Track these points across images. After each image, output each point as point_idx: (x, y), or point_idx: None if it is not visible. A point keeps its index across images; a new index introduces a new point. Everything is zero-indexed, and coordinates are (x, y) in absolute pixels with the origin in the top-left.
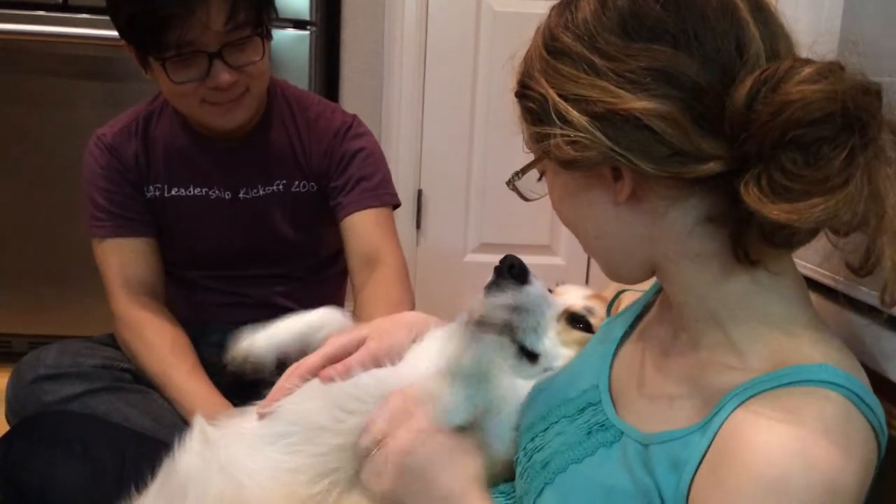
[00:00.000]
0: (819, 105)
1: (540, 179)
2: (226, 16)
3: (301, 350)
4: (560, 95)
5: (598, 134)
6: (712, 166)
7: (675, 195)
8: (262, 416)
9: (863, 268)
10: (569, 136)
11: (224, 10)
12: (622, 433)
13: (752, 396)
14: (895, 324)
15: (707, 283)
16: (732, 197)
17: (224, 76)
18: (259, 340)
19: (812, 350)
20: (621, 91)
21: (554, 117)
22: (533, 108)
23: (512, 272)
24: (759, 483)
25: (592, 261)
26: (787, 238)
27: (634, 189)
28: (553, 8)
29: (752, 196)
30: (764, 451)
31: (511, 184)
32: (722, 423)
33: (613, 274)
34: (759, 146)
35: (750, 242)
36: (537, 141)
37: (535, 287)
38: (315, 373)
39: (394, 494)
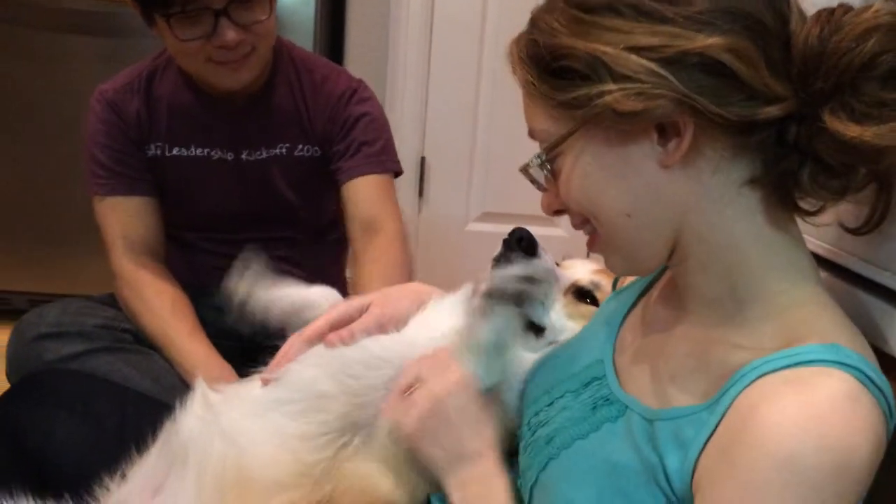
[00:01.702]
0: None
1: (546, 167)
2: None
3: (291, 321)
4: (618, 48)
5: (671, 78)
6: (780, 108)
7: (728, 152)
8: (265, 383)
9: (866, 224)
10: (632, 88)
11: None
12: (627, 407)
13: (762, 375)
14: None
15: (735, 251)
16: (780, 152)
17: (230, 34)
18: (259, 295)
19: (823, 329)
20: (690, 32)
21: (608, 73)
22: (576, 68)
23: (521, 245)
24: (772, 462)
25: None
26: (844, 183)
27: (689, 146)
28: None
29: (841, 125)
30: (776, 430)
31: (526, 170)
32: (732, 402)
33: (631, 261)
34: (838, 78)
35: (802, 192)
36: (578, 107)
37: (544, 260)
38: (320, 338)
39: (415, 437)
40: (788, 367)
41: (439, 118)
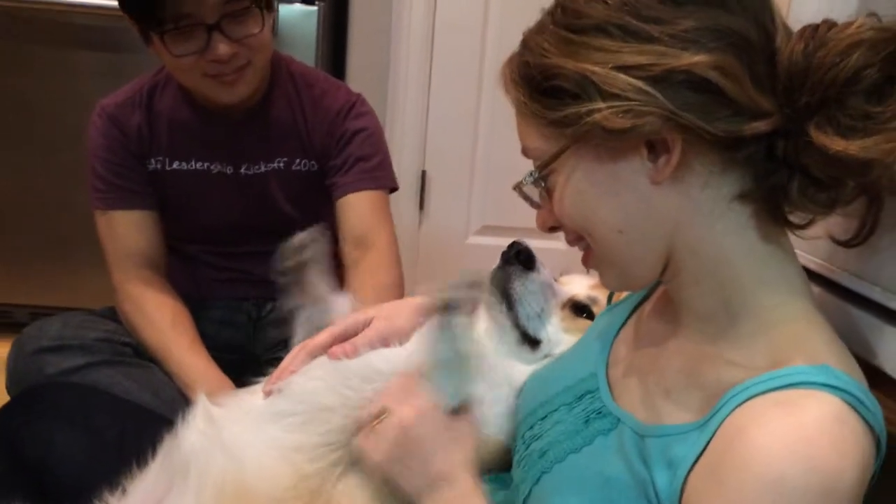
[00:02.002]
0: (883, 45)
1: (540, 184)
2: None
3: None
4: (606, 67)
5: (658, 96)
6: (766, 124)
7: (717, 167)
8: (267, 394)
9: (856, 237)
10: (620, 105)
11: None
12: (619, 420)
13: (752, 397)
14: None
15: (727, 266)
16: (769, 167)
17: (223, 48)
18: (307, 271)
19: (813, 348)
20: (676, 50)
21: (598, 91)
22: (566, 87)
23: (519, 258)
24: (760, 484)
25: None
26: (833, 197)
27: (679, 161)
28: None
29: (827, 140)
30: (764, 452)
31: (520, 188)
32: (721, 423)
33: (625, 277)
34: (823, 92)
35: (791, 206)
36: (568, 125)
37: (541, 274)
38: (322, 351)
39: (386, 467)
40: (778, 388)
41: (440, 132)
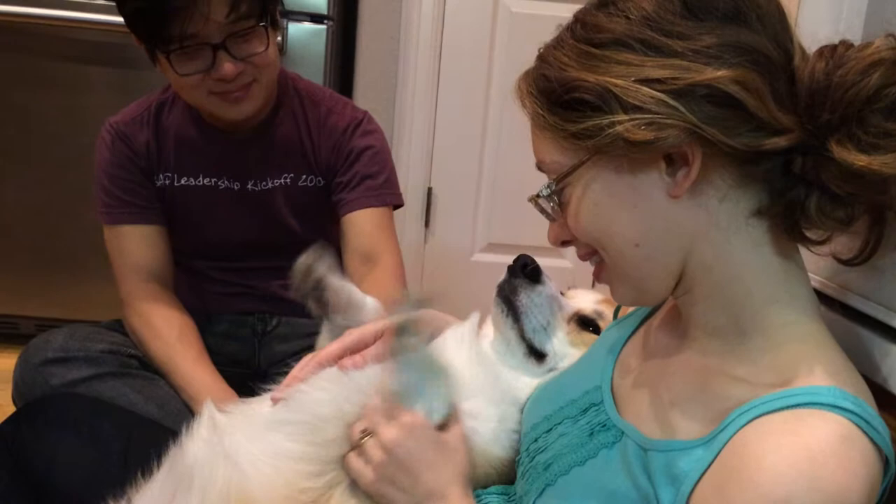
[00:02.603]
0: None
1: (553, 199)
2: (228, 7)
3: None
4: (629, 80)
5: (681, 109)
6: (786, 139)
7: (735, 182)
8: (275, 401)
9: (859, 256)
10: (643, 118)
11: (226, 1)
12: (623, 433)
13: (760, 416)
14: None
15: (739, 283)
16: (786, 183)
17: (228, 67)
18: (329, 280)
19: (822, 369)
20: (699, 65)
21: (619, 104)
22: (587, 100)
23: (525, 271)
24: (765, 502)
25: None
26: (850, 213)
27: (698, 176)
28: (585, 7)
29: (850, 155)
30: (771, 470)
31: (535, 200)
32: (728, 440)
33: (638, 292)
34: (844, 110)
35: (808, 222)
36: (589, 137)
37: (547, 287)
38: (332, 361)
39: (377, 486)
40: (786, 408)
41: (447, 149)
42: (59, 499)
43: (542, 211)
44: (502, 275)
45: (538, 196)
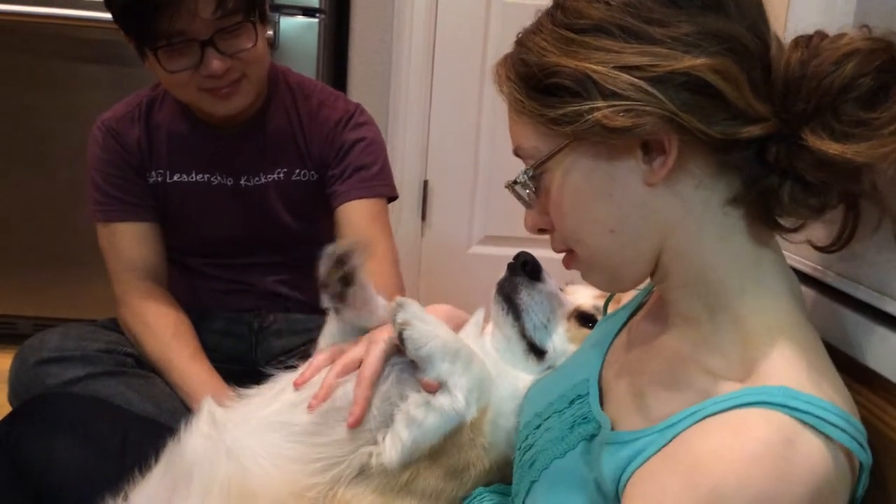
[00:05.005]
0: (877, 55)
1: (530, 186)
2: (215, 3)
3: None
4: (607, 66)
5: (659, 96)
6: (761, 128)
7: (710, 170)
8: (297, 386)
9: (835, 243)
10: (621, 104)
11: None
12: (600, 427)
13: (710, 415)
14: (888, 320)
15: (711, 270)
16: (761, 170)
17: (216, 63)
18: (356, 273)
19: (784, 367)
20: (677, 52)
21: (598, 90)
22: (566, 85)
23: (525, 269)
24: (693, 491)
25: None
26: (823, 201)
27: (674, 164)
28: None
29: (823, 144)
30: (703, 463)
31: (512, 186)
32: (678, 434)
33: (613, 278)
34: (819, 100)
35: (782, 210)
36: (568, 123)
37: (547, 285)
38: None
39: None
40: (734, 407)
41: (442, 142)
42: (57, 498)
43: (519, 198)
44: (500, 268)
45: (515, 182)
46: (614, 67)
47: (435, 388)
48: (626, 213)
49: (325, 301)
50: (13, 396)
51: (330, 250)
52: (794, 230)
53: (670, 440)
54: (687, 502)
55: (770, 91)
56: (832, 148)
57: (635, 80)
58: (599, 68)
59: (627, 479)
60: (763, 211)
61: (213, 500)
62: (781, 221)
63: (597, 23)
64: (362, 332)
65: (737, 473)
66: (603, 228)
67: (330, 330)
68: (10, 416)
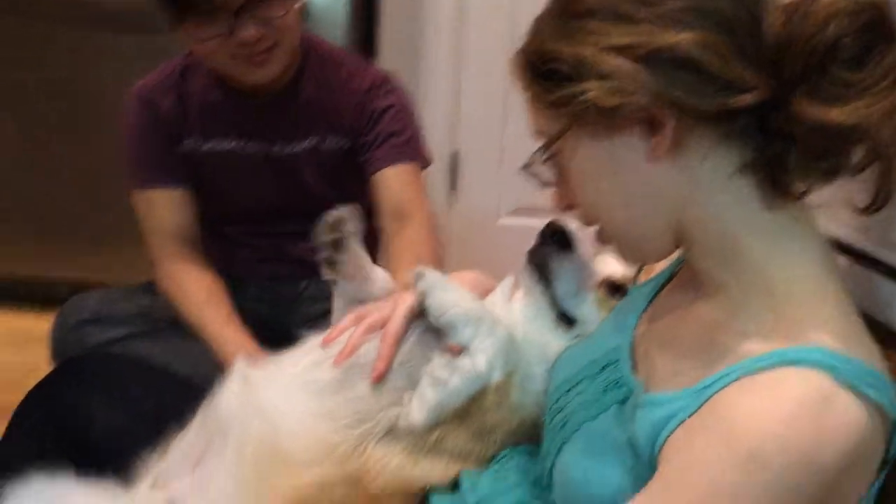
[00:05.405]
0: (859, 15)
1: (551, 165)
2: None
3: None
4: (597, 49)
5: (646, 74)
6: (754, 95)
7: (713, 141)
8: (325, 345)
9: (873, 203)
10: (610, 85)
11: None
12: (633, 390)
13: (746, 375)
14: None
15: (733, 240)
16: (764, 138)
17: (249, 31)
18: (349, 244)
19: (819, 328)
20: (661, 30)
21: (590, 72)
22: (562, 70)
23: (556, 237)
24: (731, 457)
25: None
26: (833, 165)
27: (674, 139)
28: None
29: (812, 109)
30: (742, 427)
31: (528, 168)
32: (713, 395)
33: (637, 252)
34: (806, 62)
35: (791, 176)
36: (564, 105)
37: (578, 254)
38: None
39: None
40: (770, 367)
41: (471, 113)
42: (96, 452)
43: (535, 177)
44: (530, 240)
45: (529, 164)
46: (603, 49)
47: (458, 352)
48: (633, 191)
49: (324, 270)
50: (54, 355)
51: (325, 216)
52: (803, 195)
53: (705, 402)
54: (725, 463)
55: (761, 58)
56: (820, 112)
57: (622, 60)
58: (589, 51)
59: (663, 443)
60: (774, 178)
61: (249, 454)
62: (793, 187)
63: (590, 7)
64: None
65: (775, 433)
66: (615, 206)
67: (336, 306)
68: (51, 375)
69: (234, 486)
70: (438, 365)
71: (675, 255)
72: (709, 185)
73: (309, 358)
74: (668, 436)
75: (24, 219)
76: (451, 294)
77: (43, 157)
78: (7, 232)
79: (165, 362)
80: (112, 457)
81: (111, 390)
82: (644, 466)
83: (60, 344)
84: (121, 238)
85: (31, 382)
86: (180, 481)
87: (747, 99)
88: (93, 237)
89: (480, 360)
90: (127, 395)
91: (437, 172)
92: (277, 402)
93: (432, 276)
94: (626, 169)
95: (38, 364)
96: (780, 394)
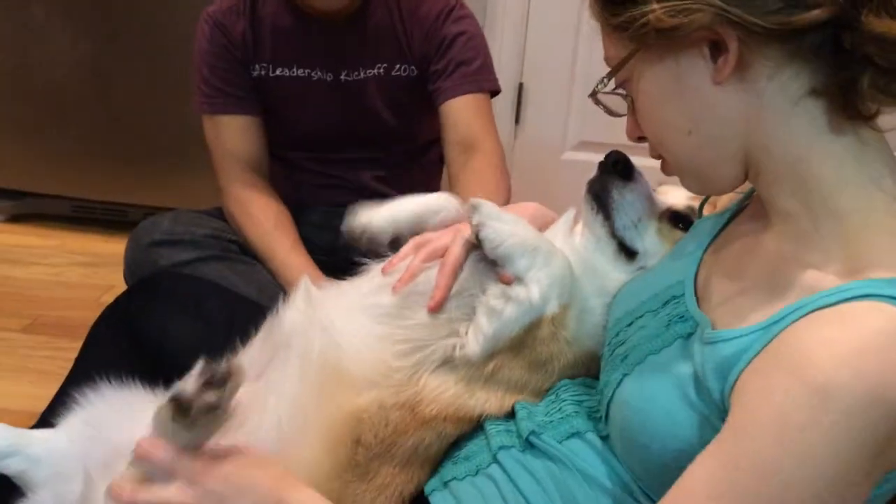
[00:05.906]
0: None
1: (622, 93)
2: None
3: (415, 231)
4: None
5: None
6: (817, 14)
7: (780, 62)
8: (385, 272)
9: None
10: (671, 5)
11: None
12: (698, 325)
13: (816, 309)
14: None
15: (803, 165)
16: (836, 61)
17: None
18: (378, 216)
19: (888, 259)
20: None
21: None
22: None
23: (616, 168)
24: (805, 389)
25: None
26: None
27: (738, 60)
28: None
29: (882, 23)
30: (814, 359)
31: (595, 95)
32: (782, 330)
33: (704, 181)
34: None
35: (863, 98)
36: (629, 27)
37: (639, 184)
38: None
39: None
40: (842, 301)
41: (539, 43)
42: (170, 365)
43: (601, 106)
44: (593, 174)
45: (595, 91)
46: None
47: (511, 282)
48: (699, 115)
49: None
50: (129, 275)
51: (353, 220)
52: (874, 116)
53: (774, 337)
54: (798, 397)
55: None
56: (892, 27)
57: None
58: None
59: (735, 380)
60: (845, 102)
61: (312, 369)
62: (865, 108)
63: None
64: None
65: (849, 366)
66: (680, 131)
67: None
68: (127, 293)
69: (298, 393)
70: (493, 295)
71: (743, 188)
72: (778, 106)
73: (370, 284)
74: (739, 374)
75: (100, 145)
76: (506, 225)
77: (116, 83)
78: (84, 158)
79: (234, 284)
80: (184, 369)
81: (184, 307)
82: (707, 403)
83: (134, 264)
84: (191, 163)
85: (108, 300)
86: (244, 389)
87: (812, 16)
88: (164, 162)
89: (534, 290)
90: (199, 311)
91: (501, 104)
92: (339, 322)
93: (488, 208)
94: (691, 92)
95: (113, 283)
96: (854, 326)
